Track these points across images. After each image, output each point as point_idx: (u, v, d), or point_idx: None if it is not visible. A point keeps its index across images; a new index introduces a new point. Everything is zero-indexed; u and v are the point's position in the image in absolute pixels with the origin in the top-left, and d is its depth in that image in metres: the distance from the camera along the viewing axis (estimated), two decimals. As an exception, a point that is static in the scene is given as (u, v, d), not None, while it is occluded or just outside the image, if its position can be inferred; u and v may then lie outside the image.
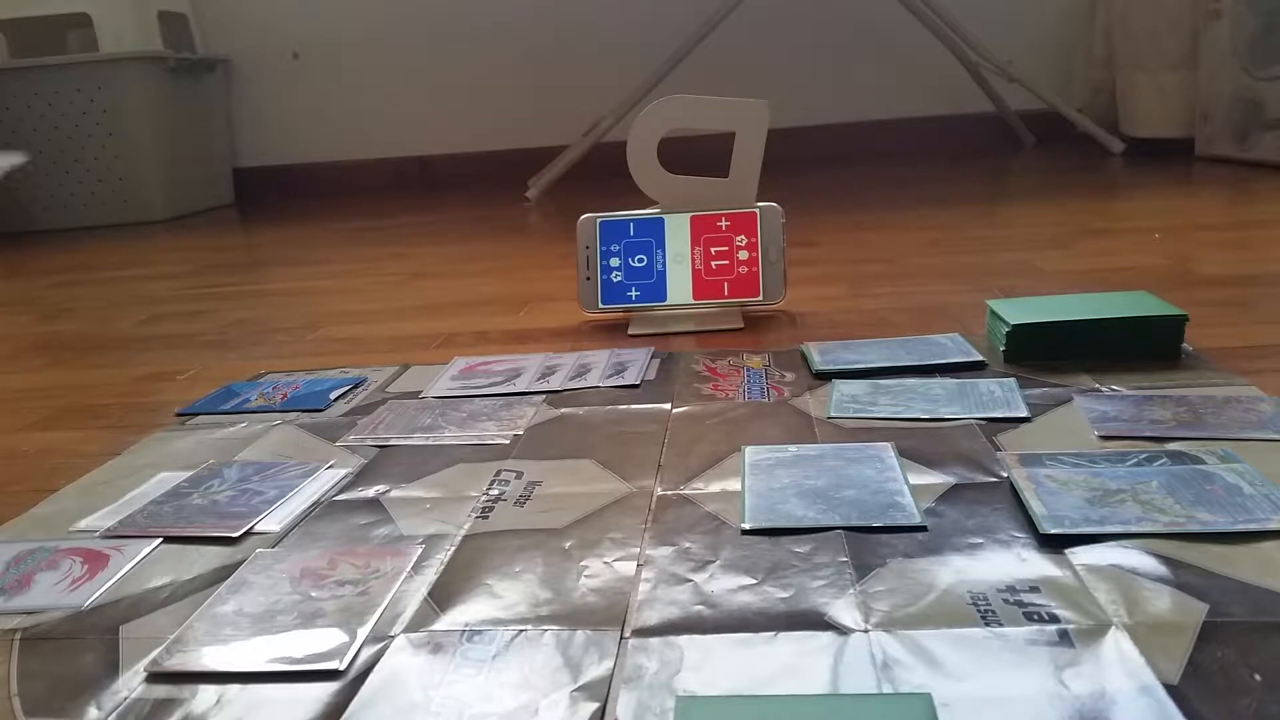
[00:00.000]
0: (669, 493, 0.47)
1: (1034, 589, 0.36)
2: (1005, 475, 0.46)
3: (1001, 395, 0.57)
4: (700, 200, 0.83)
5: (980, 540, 0.40)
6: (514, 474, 0.51)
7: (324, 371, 0.75)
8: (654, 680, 0.32)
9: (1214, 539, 0.38)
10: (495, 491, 0.49)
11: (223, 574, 0.42)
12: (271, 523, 0.47)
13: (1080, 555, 0.38)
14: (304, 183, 2.36)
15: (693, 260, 0.83)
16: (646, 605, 0.37)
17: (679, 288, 0.82)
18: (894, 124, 2.21)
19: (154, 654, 0.36)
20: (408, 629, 0.37)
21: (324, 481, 0.52)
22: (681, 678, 0.32)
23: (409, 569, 0.41)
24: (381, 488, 0.51)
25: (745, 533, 0.42)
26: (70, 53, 2.07)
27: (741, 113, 0.81)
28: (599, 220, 0.84)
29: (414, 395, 0.66)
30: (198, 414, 0.66)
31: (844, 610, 0.36)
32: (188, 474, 0.54)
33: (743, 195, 0.83)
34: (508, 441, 0.56)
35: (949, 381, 0.60)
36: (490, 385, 0.67)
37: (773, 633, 0.35)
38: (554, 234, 1.43)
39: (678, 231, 0.83)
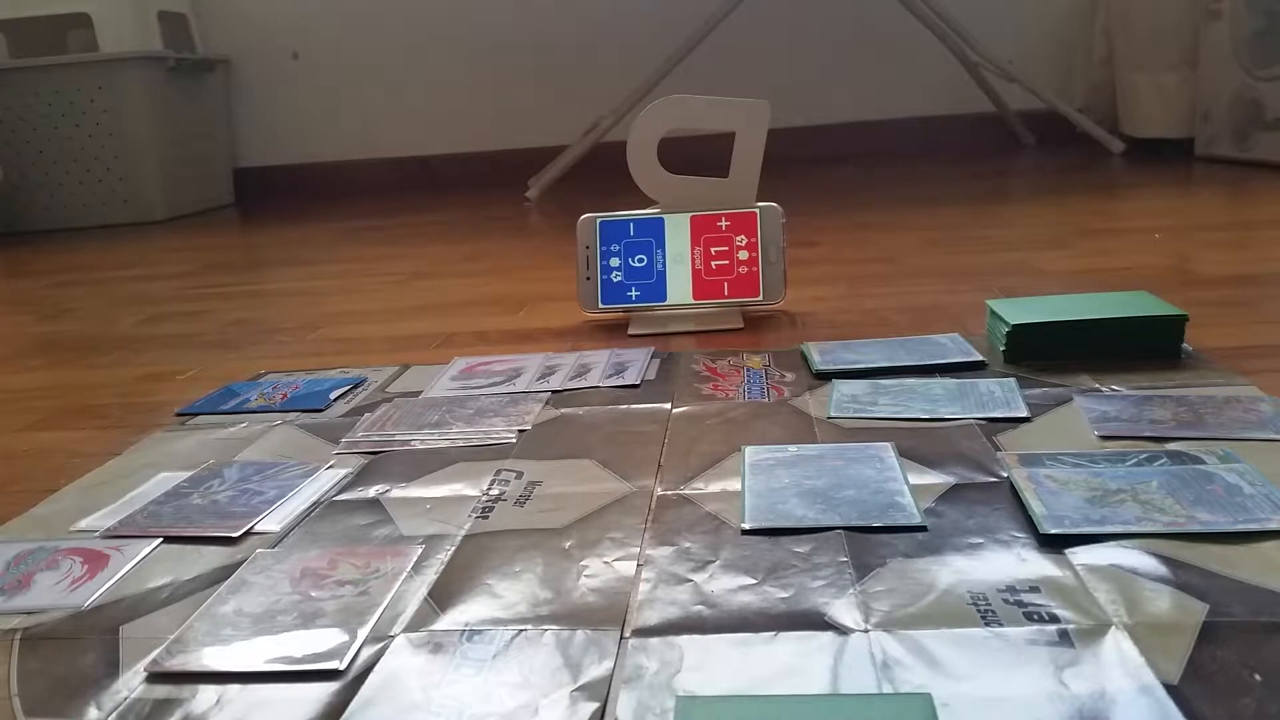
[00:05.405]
0: (669, 493, 0.47)
1: (1034, 589, 0.36)
2: (1005, 475, 0.46)
3: (1001, 395, 0.57)
4: (700, 200, 0.83)
5: (980, 540, 0.40)
6: (514, 474, 0.51)
7: (324, 371, 0.75)
8: (654, 680, 0.32)
9: (1214, 539, 0.38)
10: (495, 491, 0.49)
11: (223, 574, 0.42)
12: (271, 523, 0.47)
13: (1080, 555, 0.38)
14: (304, 183, 2.36)
15: (693, 260, 0.83)
16: (646, 605, 0.37)
17: (679, 288, 0.82)
18: (894, 124, 2.21)
19: (154, 654, 0.36)
20: (408, 629, 0.37)
21: (324, 482, 0.52)
22: (681, 678, 0.32)
23: (409, 569, 0.41)
24: (381, 488, 0.51)
25: (745, 533, 0.42)
26: (70, 53, 2.07)
27: (741, 113, 0.81)
28: (599, 220, 0.84)
29: (414, 395, 0.66)
30: (198, 414, 0.66)
31: (844, 610, 0.36)
32: (188, 474, 0.54)
33: (743, 195, 0.83)
34: (514, 437, 0.56)
35: (949, 381, 0.60)
36: (490, 385, 0.67)
37: (773, 633, 0.35)
38: (554, 234, 1.43)
39: (678, 231, 0.83)
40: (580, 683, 0.33)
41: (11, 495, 0.55)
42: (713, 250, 0.82)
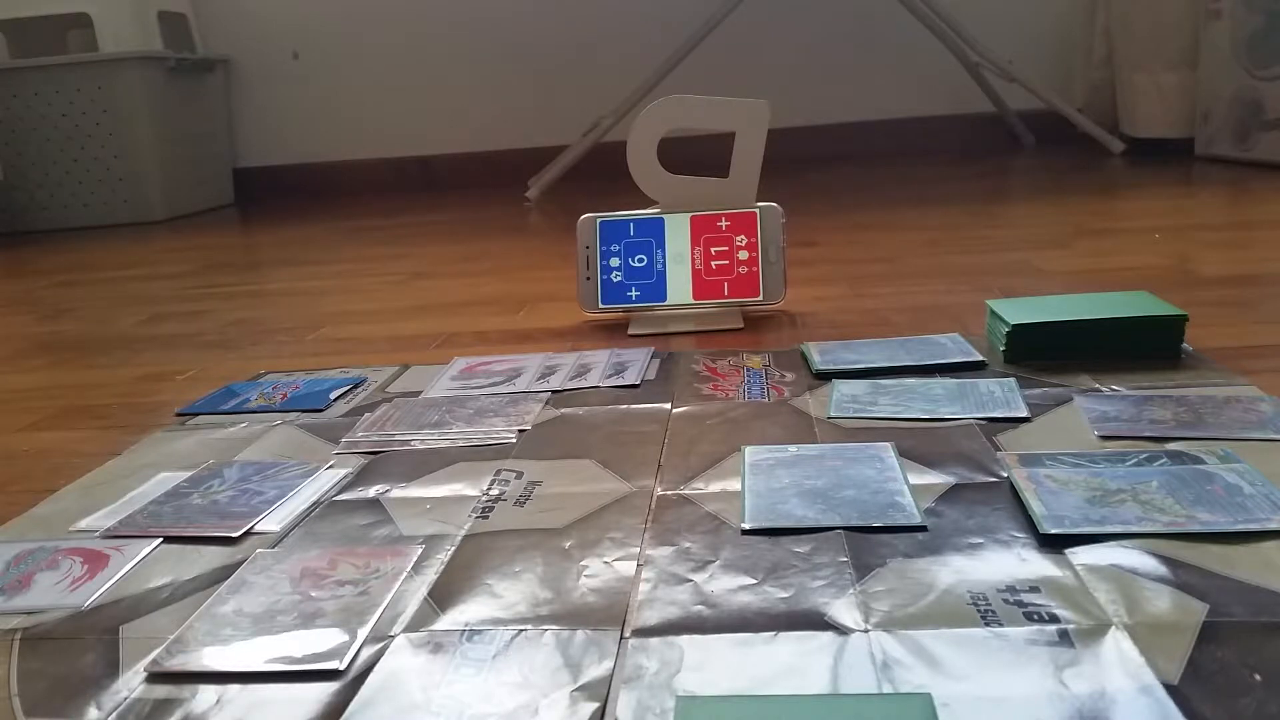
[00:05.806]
0: (669, 493, 0.47)
1: (1034, 589, 0.36)
2: (1005, 475, 0.46)
3: (1001, 395, 0.57)
4: (700, 200, 0.83)
5: (980, 540, 0.40)
6: (514, 474, 0.51)
7: (324, 371, 0.75)
8: (654, 680, 0.32)
9: (1214, 539, 0.38)
10: (495, 491, 0.49)
11: (223, 574, 0.42)
12: (271, 523, 0.47)
13: (1080, 555, 0.38)
14: (304, 183, 2.36)
15: (693, 260, 0.83)
16: (646, 605, 0.37)
17: (679, 288, 0.82)
18: (894, 124, 2.20)
19: (154, 654, 0.36)
20: (408, 629, 0.37)
21: (324, 481, 0.52)
22: (681, 678, 0.32)
23: (409, 569, 0.41)
24: (381, 488, 0.51)
25: (745, 533, 0.42)
26: (70, 53, 2.07)
27: (741, 113, 0.81)
28: (599, 220, 0.84)
29: (414, 395, 0.66)
30: (198, 414, 0.66)
31: (844, 610, 0.36)
32: (188, 474, 0.54)
33: (743, 195, 0.83)
34: (514, 437, 0.56)
35: (949, 381, 0.60)
36: (490, 385, 0.67)
37: (773, 633, 0.35)
38: (554, 234, 1.43)
39: (678, 231, 0.83)
40: (580, 683, 0.33)
41: (11, 495, 0.55)
42: (713, 250, 0.82)
